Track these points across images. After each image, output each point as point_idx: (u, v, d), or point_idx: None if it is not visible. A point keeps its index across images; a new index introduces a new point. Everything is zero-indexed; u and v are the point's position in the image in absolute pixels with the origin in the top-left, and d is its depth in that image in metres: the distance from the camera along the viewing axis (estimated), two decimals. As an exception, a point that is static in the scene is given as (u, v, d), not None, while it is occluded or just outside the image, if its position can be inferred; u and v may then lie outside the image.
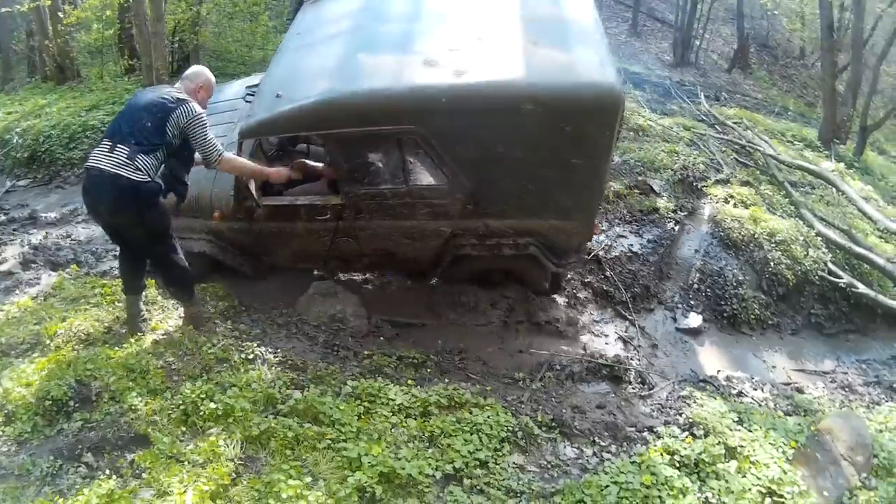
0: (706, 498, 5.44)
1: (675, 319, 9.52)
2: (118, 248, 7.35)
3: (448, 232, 7.99)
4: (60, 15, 18.33)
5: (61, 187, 13.44)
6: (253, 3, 22.34)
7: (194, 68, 7.24)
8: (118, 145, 6.46)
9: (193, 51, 19.37)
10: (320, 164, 8.33)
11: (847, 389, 8.74)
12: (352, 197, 7.79)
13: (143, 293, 7.39)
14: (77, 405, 5.76)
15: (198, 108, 6.76)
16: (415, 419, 6.06)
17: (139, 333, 7.03)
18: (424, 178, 7.73)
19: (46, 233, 10.93)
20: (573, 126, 7.01)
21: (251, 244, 8.41)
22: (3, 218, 11.84)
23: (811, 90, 29.59)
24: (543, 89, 6.95)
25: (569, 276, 9.54)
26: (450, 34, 7.89)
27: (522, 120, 6.98)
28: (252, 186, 7.58)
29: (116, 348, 6.60)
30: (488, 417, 6.03)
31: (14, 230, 11.19)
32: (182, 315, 7.48)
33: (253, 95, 8.57)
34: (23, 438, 5.44)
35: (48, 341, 6.73)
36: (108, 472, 5.14)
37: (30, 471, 5.10)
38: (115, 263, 9.46)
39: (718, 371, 8.55)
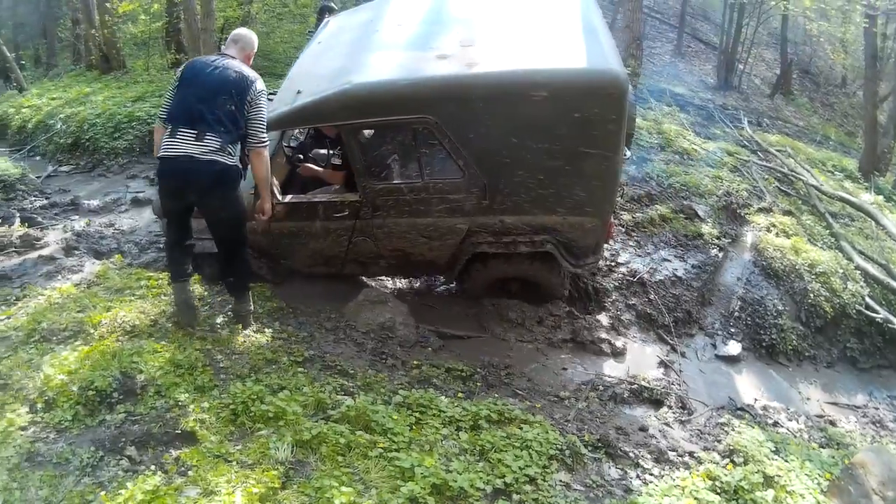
0: None
1: (714, 346, 9.62)
2: (169, 236, 7.23)
3: (464, 229, 8.15)
4: (108, 5, 18.59)
5: (104, 175, 13.69)
6: (303, 4, 22.63)
7: (246, 32, 7.22)
8: (207, 134, 6.44)
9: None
10: (322, 169, 8.70)
11: (878, 425, 8.78)
12: (369, 192, 7.99)
13: (192, 280, 7.37)
14: (121, 397, 5.79)
15: (263, 85, 6.85)
16: (466, 432, 6.14)
17: (189, 323, 7.06)
18: (440, 171, 8.01)
19: (89, 220, 11.10)
20: (582, 113, 7.21)
21: (269, 245, 8.54)
22: (45, 202, 12.12)
23: (852, 119, 29.48)
24: (552, 76, 7.23)
25: (612, 297, 9.71)
26: (461, 34, 8.16)
27: (533, 108, 7.25)
28: (274, 181, 7.75)
29: (163, 342, 6.65)
30: (538, 434, 6.10)
31: (55, 215, 11.43)
32: (230, 312, 7.52)
33: (272, 98, 8.85)
34: (62, 427, 5.45)
35: (91, 330, 6.75)
36: (152, 467, 5.13)
37: (69, 460, 5.10)
38: (159, 255, 9.70)
39: (755, 400, 8.61)
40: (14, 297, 7.72)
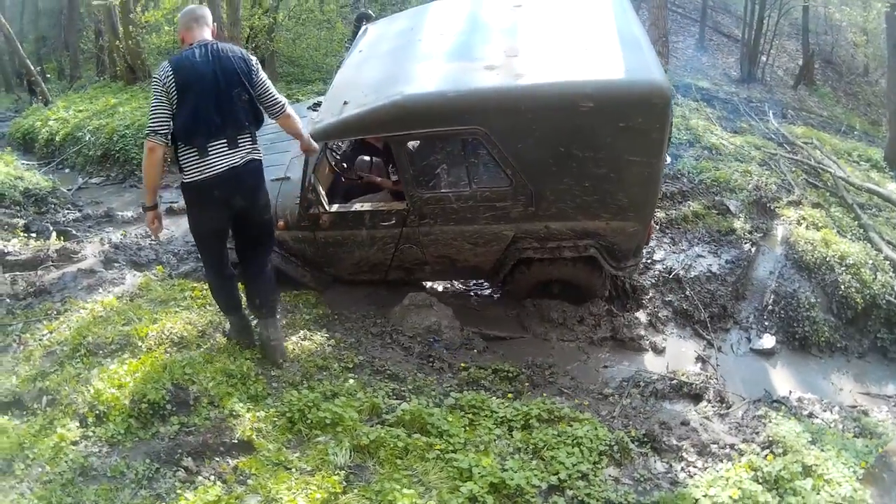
0: None
1: (749, 340, 9.73)
2: (212, 265, 6.80)
3: (510, 236, 8.32)
4: (132, 16, 18.75)
5: (136, 186, 13.84)
6: (328, 10, 22.75)
7: (197, 7, 6.61)
8: (237, 137, 6.19)
9: (270, 56, 19.72)
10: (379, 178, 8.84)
11: None
12: (416, 201, 8.14)
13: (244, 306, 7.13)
14: (174, 409, 5.82)
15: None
16: (518, 431, 6.29)
17: (251, 345, 7.00)
18: (487, 180, 8.17)
19: (124, 231, 11.17)
20: (628, 122, 7.38)
21: (314, 254, 8.70)
22: (78, 214, 12.23)
23: (875, 108, 29.39)
24: (599, 87, 7.40)
25: (649, 294, 9.88)
26: (505, 43, 8.32)
27: (580, 119, 7.41)
28: (321, 191, 7.83)
29: (212, 353, 6.73)
30: (587, 431, 6.24)
31: (89, 227, 11.57)
32: (259, 342, 7.11)
33: (317, 108, 8.93)
34: (115, 440, 5.46)
35: (139, 343, 6.72)
36: (211, 477, 5.25)
37: (124, 473, 5.14)
38: (198, 265, 9.68)
39: (790, 392, 8.69)
40: (56, 312, 7.73)
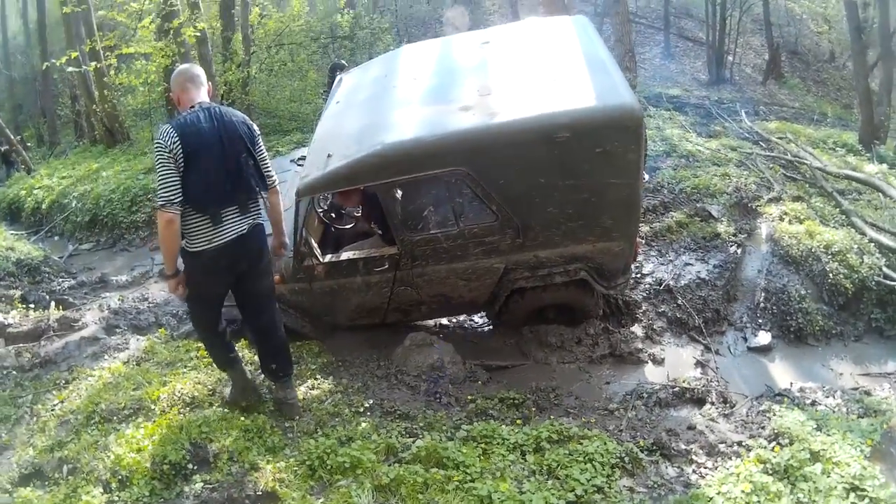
0: (798, 499, 5.76)
1: (745, 339, 9.90)
2: (203, 323, 6.67)
3: (501, 268, 8.46)
4: (105, 80, 18.85)
5: (126, 250, 13.90)
6: (301, 60, 22.91)
7: (191, 67, 6.41)
8: (247, 203, 6.13)
9: (246, 109, 19.85)
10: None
11: None
12: (407, 244, 8.27)
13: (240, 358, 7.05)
14: (195, 467, 5.85)
15: None
16: (531, 454, 6.40)
17: (256, 402, 6.94)
18: (474, 217, 8.24)
19: (121, 296, 11.18)
20: (604, 147, 7.56)
21: (312, 304, 8.81)
22: (73, 282, 12.25)
23: (845, 92, 29.69)
24: (573, 117, 7.56)
25: (642, 308, 10.03)
26: (476, 83, 8.48)
27: (558, 149, 7.58)
28: (314, 244, 7.90)
29: (225, 410, 6.76)
30: (597, 447, 6.38)
31: (85, 293, 11.57)
32: (273, 402, 7.11)
33: (302, 162, 9.06)
34: (141, 503, 5.49)
35: (152, 406, 6.76)
36: None
37: None
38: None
39: (791, 384, 8.82)
40: (64, 381, 7.74)
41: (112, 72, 19.97)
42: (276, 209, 6.61)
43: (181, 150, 5.68)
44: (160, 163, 5.72)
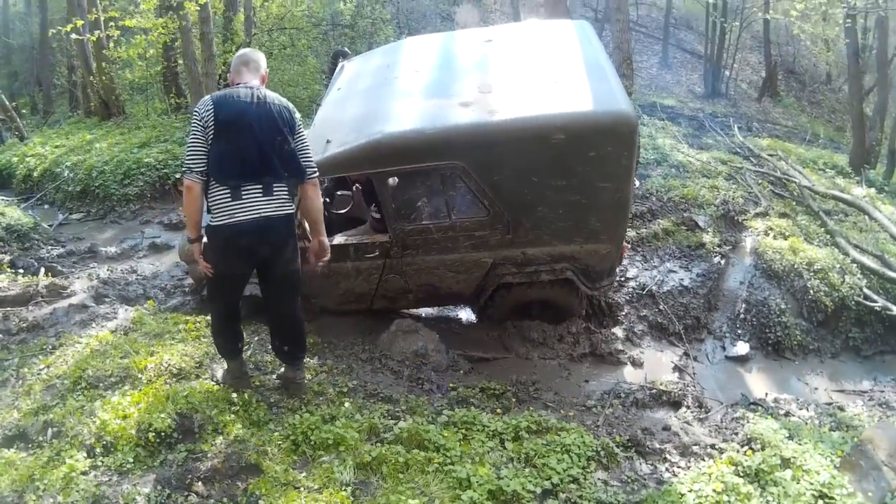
0: (767, 501, 5.87)
1: (724, 348, 10.06)
2: (221, 310, 6.60)
3: (489, 262, 8.62)
4: (105, 52, 18.79)
5: (117, 222, 13.83)
6: (302, 45, 22.91)
7: (252, 51, 6.44)
8: (274, 185, 5.94)
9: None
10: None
11: (884, 406, 9.01)
12: (399, 234, 8.41)
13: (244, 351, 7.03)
14: (180, 437, 5.87)
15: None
16: (510, 442, 6.51)
17: (246, 388, 6.76)
18: (466, 211, 8.35)
19: (110, 267, 11.31)
20: (597, 151, 7.73)
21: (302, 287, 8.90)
22: (62, 250, 12.25)
23: (839, 114, 29.80)
24: (569, 120, 7.73)
25: (624, 310, 10.15)
26: (478, 79, 8.61)
27: (553, 150, 7.75)
28: (306, 227, 7.98)
29: (211, 382, 6.79)
30: (575, 439, 6.49)
31: (74, 263, 11.61)
32: (280, 380, 7.11)
33: None
34: (125, 469, 5.50)
35: (139, 375, 6.77)
36: (224, 499, 5.33)
37: (136, 500, 5.18)
38: (185, 299, 9.98)
39: (766, 394, 8.98)
40: (51, 346, 7.77)
41: (111, 44, 19.91)
42: (314, 204, 6.41)
43: (212, 120, 5.71)
44: (192, 131, 5.79)
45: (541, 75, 8.54)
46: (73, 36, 15.83)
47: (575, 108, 7.88)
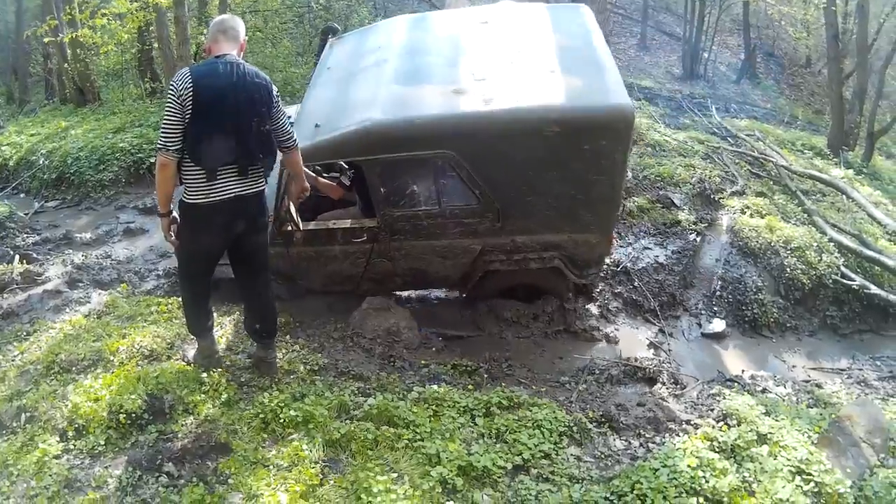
0: (743, 477, 5.87)
1: (700, 325, 10.04)
2: (191, 290, 6.58)
3: (478, 249, 8.53)
4: (80, 38, 18.67)
5: (92, 208, 13.66)
6: (274, 27, 22.77)
7: (230, 17, 6.24)
8: (250, 167, 5.91)
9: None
10: (324, 180, 8.89)
11: (862, 384, 9.04)
12: (388, 219, 8.31)
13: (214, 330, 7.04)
14: (151, 418, 5.91)
15: None
16: (481, 418, 6.52)
17: (216, 367, 6.73)
18: (456, 198, 8.28)
19: (85, 253, 11.20)
20: (592, 145, 7.65)
21: (287, 268, 8.79)
22: (37, 238, 12.12)
23: (818, 97, 29.80)
24: (565, 113, 7.61)
25: (598, 287, 10.06)
26: (473, 65, 8.52)
27: (546, 142, 7.63)
28: (293, 210, 7.83)
29: (182, 363, 6.84)
30: (546, 414, 6.50)
31: (49, 250, 11.47)
32: (252, 360, 7.11)
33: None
34: (96, 452, 5.57)
35: (111, 357, 6.83)
36: (194, 479, 5.37)
37: (108, 482, 5.25)
38: (159, 282, 10.00)
39: (743, 371, 8.99)
40: (25, 333, 7.83)
41: (86, 29, 19.77)
42: (298, 164, 6.48)
43: (190, 98, 5.53)
44: (168, 106, 5.61)
45: (538, 64, 8.42)
46: (47, 39, 15.73)
47: (571, 101, 7.77)
